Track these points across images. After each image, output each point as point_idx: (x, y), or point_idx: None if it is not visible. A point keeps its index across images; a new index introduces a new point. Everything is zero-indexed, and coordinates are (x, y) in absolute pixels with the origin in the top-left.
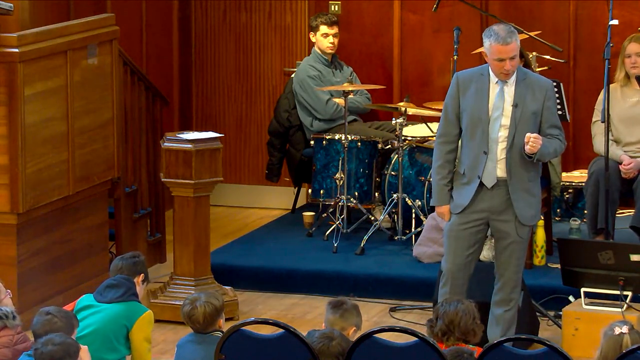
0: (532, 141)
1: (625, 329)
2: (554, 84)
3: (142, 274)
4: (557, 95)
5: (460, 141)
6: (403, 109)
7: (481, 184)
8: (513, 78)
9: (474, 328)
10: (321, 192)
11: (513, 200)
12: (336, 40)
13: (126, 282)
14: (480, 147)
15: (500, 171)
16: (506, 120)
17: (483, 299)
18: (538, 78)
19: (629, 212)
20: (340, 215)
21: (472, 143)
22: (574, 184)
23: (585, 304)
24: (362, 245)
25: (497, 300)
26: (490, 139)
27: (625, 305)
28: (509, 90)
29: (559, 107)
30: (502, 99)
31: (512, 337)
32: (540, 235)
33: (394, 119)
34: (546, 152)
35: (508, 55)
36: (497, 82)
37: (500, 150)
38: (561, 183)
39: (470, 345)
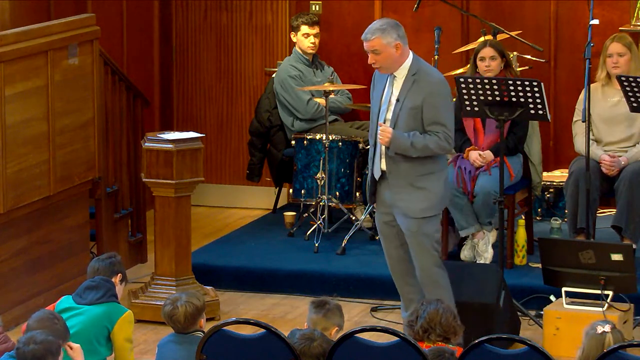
0: (380, 132)
1: (607, 328)
2: (535, 83)
3: (119, 274)
4: (538, 94)
5: None
6: None
7: (374, 176)
8: (404, 73)
9: (454, 326)
10: (302, 192)
11: (394, 194)
12: (317, 40)
13: (105, 284)
14: (372, 140)
15: (384, 165)
16: (389, 115)
17: (462, 299)
18: (428, 74)
19: (610, 212)
20: (322, 215)
21: (370, 136)
22: (554, 183)
23: (566, 304)
24: (343, 245)
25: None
26: (378, 133)
27: (607, 305)
28: (397, 85)
29: (539, 106)
30: (389, 93)
31: (493, 336)
32: (521, 235)
33: None
34: (404, 146)
35: (368, 49)
36: (389, 76)
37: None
38: (542, 182)
39: (451, 345)
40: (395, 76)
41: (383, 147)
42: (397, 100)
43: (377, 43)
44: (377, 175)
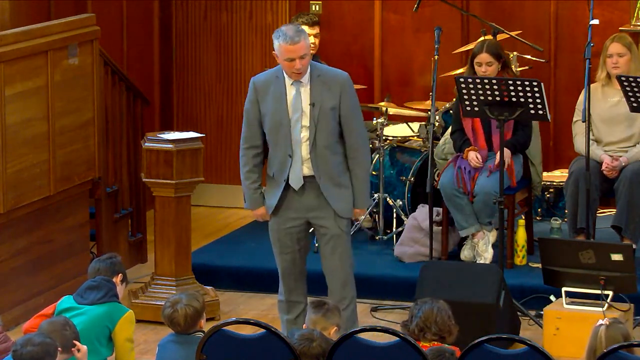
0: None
1: (605, 321)
2: (535, 83)
3: (120, 274)
4: (538, 94)
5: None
6: (384, 108)
7: (288, 186)
8: (307, 77)
9: (449, 325)
10: None
11: (327, 197)
12: (317, 41)
13: (107, 284)
14: (285, 150)
15: (308, 170)
16: (306, 121)
17: (462, 299)
18: (333, 73)
19: (610, 212)
20: None
21: (277, 147)
22: (554, 183)
23: (566, 304)
24: None
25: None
26: (293, 141)
27: (607, 305)
28: (305, 90)
29: (539, 106)
30: (299, 99)
31: (493, 336)
32: (521, 235)
33: (374, 118)
34: (364, 194)
35: (298, 55)
36: (292, 83)
37: (304, 151)
38: (542, 182)
39: (447, 345)
40: (301, 82)
41: (304, 153)
42: (312, 104)
43: (306, 45)
44: (297, 185)
